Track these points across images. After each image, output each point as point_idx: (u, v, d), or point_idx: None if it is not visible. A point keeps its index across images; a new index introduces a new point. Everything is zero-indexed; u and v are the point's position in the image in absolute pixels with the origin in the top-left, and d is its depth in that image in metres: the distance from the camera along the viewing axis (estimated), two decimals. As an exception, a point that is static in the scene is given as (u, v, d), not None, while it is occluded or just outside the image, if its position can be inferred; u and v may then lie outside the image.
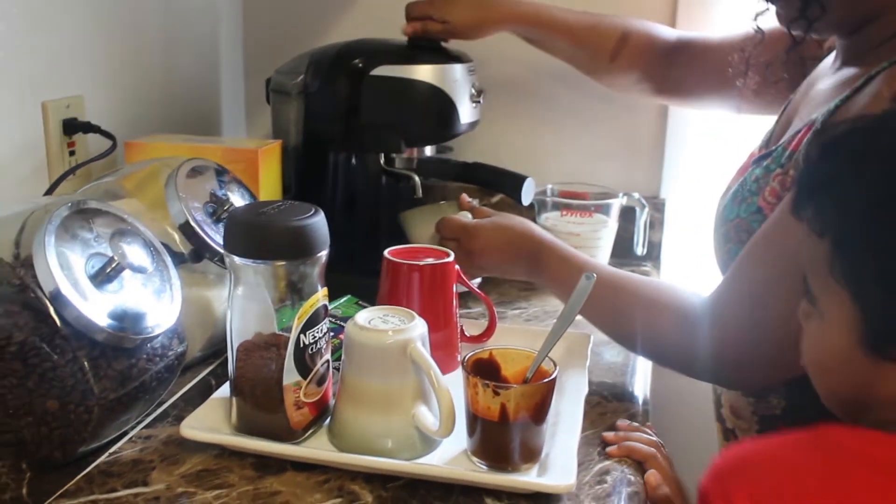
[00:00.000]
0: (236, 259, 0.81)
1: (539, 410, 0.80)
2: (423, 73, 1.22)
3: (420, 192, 1.26)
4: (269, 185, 1.15)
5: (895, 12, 0.84)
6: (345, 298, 1.11)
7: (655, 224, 1.46)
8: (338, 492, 0.80)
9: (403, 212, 1.22)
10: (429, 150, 1.34)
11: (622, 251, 1.40)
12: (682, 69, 1.25)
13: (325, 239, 0.83)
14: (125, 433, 0.88)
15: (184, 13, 1.41)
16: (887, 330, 0.57)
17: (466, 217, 1.15)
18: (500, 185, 1.25)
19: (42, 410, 0.79)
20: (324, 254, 0.83)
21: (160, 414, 0.93)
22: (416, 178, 1.25)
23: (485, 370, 0.85)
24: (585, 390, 0.96)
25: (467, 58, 1.29)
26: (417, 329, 0.83)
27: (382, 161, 1.26)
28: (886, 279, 0.56)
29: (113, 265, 0.81)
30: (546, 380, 0.80)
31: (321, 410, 0.87)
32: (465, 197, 1.21)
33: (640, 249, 1.40)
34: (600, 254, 1.32)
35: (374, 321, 0.84)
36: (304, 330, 0.82)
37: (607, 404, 1.00)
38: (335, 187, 1.27)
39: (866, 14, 0.86)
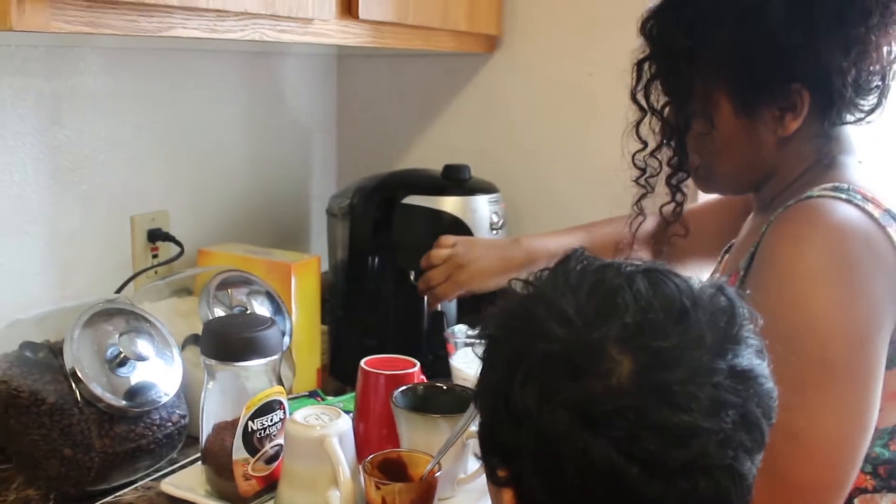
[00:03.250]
0: (205, 359, 1.06)
1: (418, 505, 0.98)
2: (448, 203, 1.44)
3: (439, 307, 1.46)
4: (305, 295, 1.40)
5: (781, 174, 1.00)
6: (349, 395, 1.33)
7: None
8: (262, 550, 1.01)
9: (400, 408, 1.12)
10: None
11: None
12: (673, 246, 1.34)
13: (277, 346, 1.07)
14: (133, 482, 1.14)
15: (273, 134, 1.71)
16: None
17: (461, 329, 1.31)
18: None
19: (61, 455, 1.07)
20: (274, 358, 1.06)
21: (169, 471, 1.18)
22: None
23: (392, 468, 1.03)
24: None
25: (492, 189, 1.49)
26: (337, 427, 1.04)
27: (412, 277, 1.48)
28: None
29: (121, 355, 1.09)
30: (421, 480, 0.98)
31: (269, 484, 1.09)
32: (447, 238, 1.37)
33: None
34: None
35: (308, 418, 1.06)
36: (252, 417, 1.05)
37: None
38: (373, 296, 1.50)
39: (751, 183, 1.03)
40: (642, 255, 1.24)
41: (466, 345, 1.34)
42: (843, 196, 0.91)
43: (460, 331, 1.37)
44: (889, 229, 0.89)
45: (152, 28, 0.96)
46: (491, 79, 1.70)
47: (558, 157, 1.66)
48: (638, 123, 1.06)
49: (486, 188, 1.49)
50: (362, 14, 1.24)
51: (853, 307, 0.86)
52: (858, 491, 0.93)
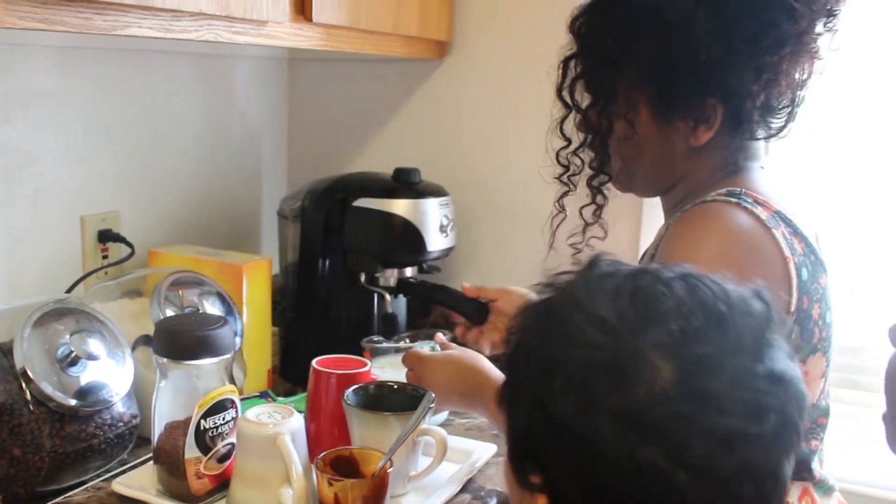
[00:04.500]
0: (157, 358, 1.06)
1: (370, 501, 0.99)
2: (399, 206, 1.46)
3: (390, 309, 1.48)
4: (256, 297, 1.41)
5: (688, 180, 1.06)
6: (300, 396, 1.34)
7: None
8: (214, 549, 1.02)
9: (352, 406, 1.14)
10: (410, 271, 1.55)
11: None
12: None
13: (230, 344, 1.07)
14: (84, 482, 1.14)
15: (224, 136, 1.72)
16: None
17: (428, 349, 1.28)
18: (458, 308, 1.42)
19: (10, 456, 1.06)
20: (226, 357, 1.07)
21: (120, 471, 1.18)
22: (387, 296, 1.48)
23: (344, 466, 1.04)
24: (451, 491, 1.13)
25: (442, 192, 1.51)
26: (289, 425, 1.05)
27: (363, 279, 1.50)
28: None
29: (72, 354, 1.08)
30: (373, 476, 1.00)
31: (222, 482, 1.09)
32: (439, 335, 1.32)
33: None
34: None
35: (260, 416, 1.07)
36: (204, 416, 1.05)
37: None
38: (324, 298, 1.51)
39: (664, 186, 1.09)
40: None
41: (381, 353, 1.36)
42: (734, 200, 0.97)
43: (378, 340, 1.39)
44: (774, 231, 0.96)
45: (107, 26, 0.97)
46: (441, 84, 1.73)
47: (507, 162, 1.69)
48: (562, 121, 1.09)
49: (436, 191, 1.52)
50: (316, 17, 1.25)
51: None
52: None
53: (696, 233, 0.97)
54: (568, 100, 1.08)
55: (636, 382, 0.59)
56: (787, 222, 0.98)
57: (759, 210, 0.96)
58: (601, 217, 1.14)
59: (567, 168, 1.12)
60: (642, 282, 0.64)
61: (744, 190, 0.99)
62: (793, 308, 0.95)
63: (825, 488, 1.06)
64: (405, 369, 1.23)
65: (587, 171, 1.09)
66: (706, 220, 0.98)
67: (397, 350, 1.35)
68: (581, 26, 1.05)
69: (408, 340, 1.40)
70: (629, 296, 0.63)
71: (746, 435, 0.59)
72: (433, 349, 1.28)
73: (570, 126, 1.10)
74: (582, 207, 1.13)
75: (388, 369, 1.33)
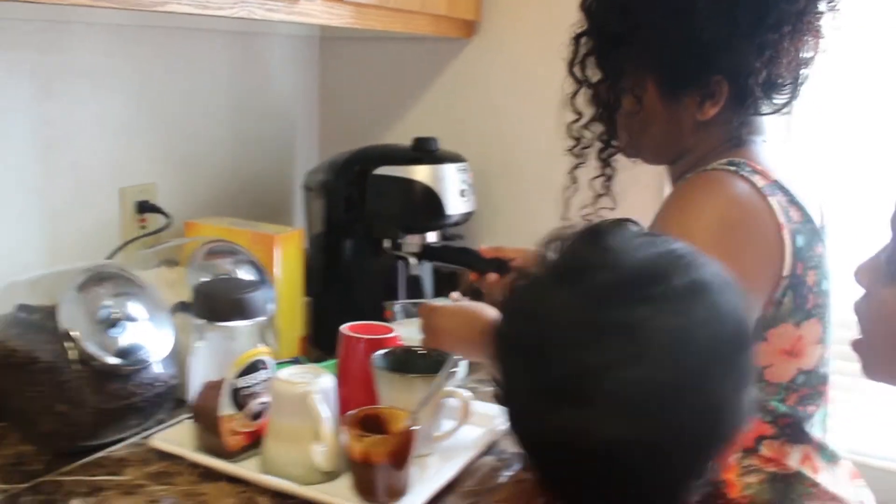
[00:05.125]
0: (195, 320, 1.12)
1: (397, 457, 1.04)
2: (418, 172, 1.50)
3: (415, 272, 1.52)
4: (288, 266, 1.46)
5: (695, 152, 1.10)
6: (331, 362, 1.39)
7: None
8: (247, 501, 1.07)
9: (380, 368, 1.21)
10: (433, 236, 1.59)
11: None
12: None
13: (263, 307, 1.12)
14: (123, 438, 1.20)
15: (258, 112, 1.77)
16: None
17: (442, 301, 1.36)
18: (480, 269, 1.45)
19: (56, 412, 1.12)
20: (261, 319, 1.12)
21: (158, 430, 1.23)
22: (412, 261, 1.52)
23: (372, 425, 1.09)
24: (474, 452, 1.18)
25: (460, 158, 1.55)
26: (320, 384, 1.10)
27: (388, 245, 1.54)
28: None
29: (113, 315, 1.14)
30: (400, 433, 1.04)
31: (255, 439, 1.15)
32: (454, 294, 1.36)
33: None
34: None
35: (292, 376, 1.12)
36: (239, 375, 1.11)
37: (506, 471, 1.20)
38: (351, 267, 1.56)
39: (671, 157, 1.13)
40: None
41: (407, 316, 1.42)
42: (733, 169, 1.01)
43: (400, 304, 1.45)
44: (770, 198, 1.00)
45: (147, 2, 1.02)
46: (469, 63, 1.76)
47: (529, 137, 1.72)
48: (574, 95, 1.13)
49: (454, 157, 1.55)
50: (347, -6, 1.30)
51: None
52: (762, 437, 1.04)
53: (695, 197, 1.02)
54: (579, 75, 1.12)
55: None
56: (785, 191, 1.02)
57: (756, 178, 1.01)
58: (611, 188, 1.18)
59: (578, 141, 1.16)
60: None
61: (744, 161, 1.03)
62: (786, 273, 1.00)
63: (829, 455, 1.09)
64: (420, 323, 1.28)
65: (597, 144, 1.13)
66: (705, 187, 1.02)
67: (415, 306, 1.41)
68: (591, 4, 1.09)
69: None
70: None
71: None
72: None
73: (580, 101, 1.14)
74: (592, 179, 1.18)
75: (405, 327, 1.39)
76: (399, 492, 1.06)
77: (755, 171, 1.01)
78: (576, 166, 1.19)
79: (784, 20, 0.99)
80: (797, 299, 1.01)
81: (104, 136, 1.44)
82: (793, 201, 1.02)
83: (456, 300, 1.33)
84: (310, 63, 1.90)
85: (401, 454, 1.05)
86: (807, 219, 1.03)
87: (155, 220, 1.50)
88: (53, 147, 1.36)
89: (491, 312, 1.22)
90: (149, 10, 1.02)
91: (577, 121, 1.15)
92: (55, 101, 1.35)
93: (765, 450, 1.04)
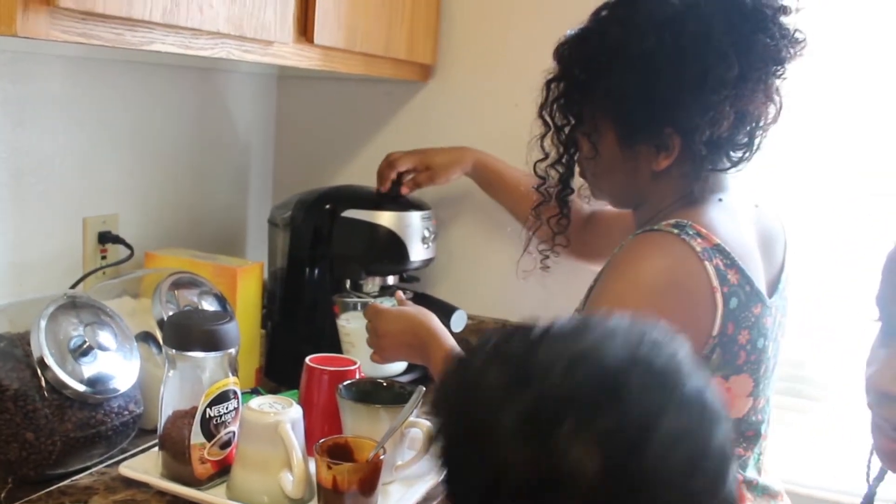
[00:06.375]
0: (167, 349, 1.14)
1: (365, 484, 1.08)
2: (384, 218, 1.55)
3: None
4: (247, 298, 1.49)
5: (652, 202, 1.18)
6: (291, 392, 1.42)
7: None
8: (216, 528, 1.09)
9: (345, 399, 1.24)
10: (392, 279, 1.64)
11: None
12: (592, 238, 1.51)
13: (235, 339, 1.15)
14: (89, 467, 1.21)
15: (217, 146, 1.81)
16: None
17: (389, 305, 1.38)
18: (437, 314, 1.51)
19: (23, 440, 1.13)
20: (231, 351, 1.15)
21: (123, 458, 1.24)
22: (371, 299, 1.57)
23: (339, 453, 1.13)
24: (434, 480, 1.22)
25: (425, 206, 1.61)
26: (290, 414, 1.13)
27: (348, 285, 1.59)
28: None
29: (85, 344, 1.16)
30: (369, 461, 1.08)
31: (223, 467, 1.17)
32: (399, 293, 1.44)
33: None
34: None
35: (262, 406, 1.15)
36: (210, 405, 1.13)
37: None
38: (310, 303, 1.60)
39: (632, 203, 1.22)
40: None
41: (348, 308, 1.53)
42: (676, 232, 1.07)
43: (347, 296, 1.56)
44: (707, 262, 1.06)
45: (136, 41, 1.05)
46: (424, 105, 1.83)
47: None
48: (542, 137, 1.22)
49: (419, 205, 1.61)
50: (317, 39, 1.35)
51: None
52: None
53: (635, 260, 1.09)
54: (547, 118, 1.19)
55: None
56: (724, 255, 1.07)
57: (696, 242, 1.06)
58: (567, 228, 1.27)
59: (544, 181, 1.24)
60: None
61: (689, 223, 1.08)
62: (715, 332, 1.06)
63: (760, 489, 1.16)
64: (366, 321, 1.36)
65: (557, 186, 1.21)
66: (646, 251, 1.09)
67: (363, 305, 1.48)
68: (562, 52, 1.17)
69: (373, 298, 1.54)
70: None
71: None
72: (393, 305, 1.38)
73: (549, 143, 1.22)
74: (549, 217, 1.25)
75: (352, 321, 1.49)
76: (367, 518, 1.10)
77: (699, 234, 1.07)
78: (539, 204, 1.26)
79: (723, 84, 1.06)
80: (726, 356, 1.07)
81: (70, 166, 1.45)
82: (732, 264, 1.07)
83: (401, 300, 1.39)
84: (268, 100, 1.94)
85: (369, 481, 1.09)
86: (745, 280, 1.08)
87: (116, 251, 1.52)
88: (22, 175, 1.37)
89: (432, 319, 1.30)
90: (137, 49, 1.05)
91: (543, 160, 1.22)
92: (25, 129, 1.37)
93: None
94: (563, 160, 1.21)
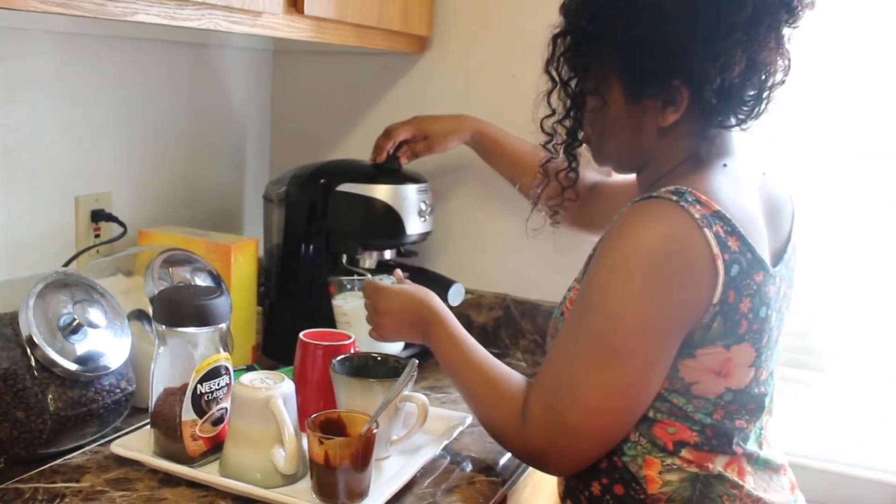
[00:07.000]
0: (157, 325, 1.13)
1: (358, 459, 1.07)
2: (380, 191, 1.53)
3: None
4: (242, 276, 1.48)
5: (656, 164, 1.15)
6: (286, 369, 1.40)
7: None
8: (208, 505, 1.09)
9: (339, 373, 1.23)
10: (389, 254, 1.63)
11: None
12: (595, 209, 1.49)
13: (225, 314, 1.14)
14: (81, 446, 1.20)
15: (211, 122, 1.79)
16: None
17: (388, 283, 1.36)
18: (434, 287, 1.50)
19: (14, 419, 1.12)
20: (222, 326, 1.14)
21: (116, 437, 1.24)
22: (368, 277, 1.55)
23: (332, 428, 1.12)
24: (430, 455, 1.21)
25: (421, 179, 1.59)
26: (281, 389, 1.12)
27: (344, 260, 1.57)
28: None
29: (74, 322, 1.14)
30: (362, 436, 1.07)
31: (215, 444, 1.16)
32: (398, 272, 1.40)
33: None
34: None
35: (254, 381, 1.14)
36: (201, 381, 1.12)
37: (460, 473, 1.24)
38: (306, 279, 1.58)
39: (636, 164, 1.19)
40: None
41: (344, 287, 1.50)
42: (675, 199, 1.04)
43: (345, 279, 1.52)
44: (706, 229, 1.02)
45: (118, 12, 1.03)
46: (420, 78, 1.81)
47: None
48: (549, 93, 1.19)
49: (415, 178, 1.59)
50: (307, 10, 1.33)
51: (645, 305, 1.03)
52: (684, 443, 1.09)
53: (633, 228, 1.05)
54: (553, 74, 1.17)
55: None
56: (725, 221, 1.04)
57: (695, 209, 1.03)
58: (576, 182, 1.26)
59: (551, 137, 1.22)
60: None
61: (689, 189, 1.05)
62: (716, 300, 1.03)
63: (761, 462, 1.14)
64: (364, 300, 1.33)
65: (565, 139, 1.19)
66: (644, 219, 1.05)
67: (359, 284, 1.46)
68: (569, 6, 1.15)
69: (370, 276, 1.52)
70: None
71: None
72: (392, 283, 1.35)
73: (555, 98, 1.20)
74: (558, 172, 1.23)
75: (349, 301, 1.46)
76: (360, 494, 1.08)
77: (698, 201, 1.04)
78: (547, 160, 1.25)
79: (734, 28, 1.03)
80: (727, 324, 1.05)
81: (62, 143, 1.44)
82: (733, 231, 1.04)
83: (400, 279, 1.37)
84: (263, 75, 1.92)
85: (362, 457, 1.07)
86: (746, 248, 1.05)
87: (109, 229, 1.51)
88: (13, 153, 1.36)
89: (433, 298, 1.28)
90: (120, 20, 1.03)
91: (550, 116, 1.20)
92: (15, 107, 1.35)
93: (686, 453, 1.08)
94: (571, 114, 1.18)
